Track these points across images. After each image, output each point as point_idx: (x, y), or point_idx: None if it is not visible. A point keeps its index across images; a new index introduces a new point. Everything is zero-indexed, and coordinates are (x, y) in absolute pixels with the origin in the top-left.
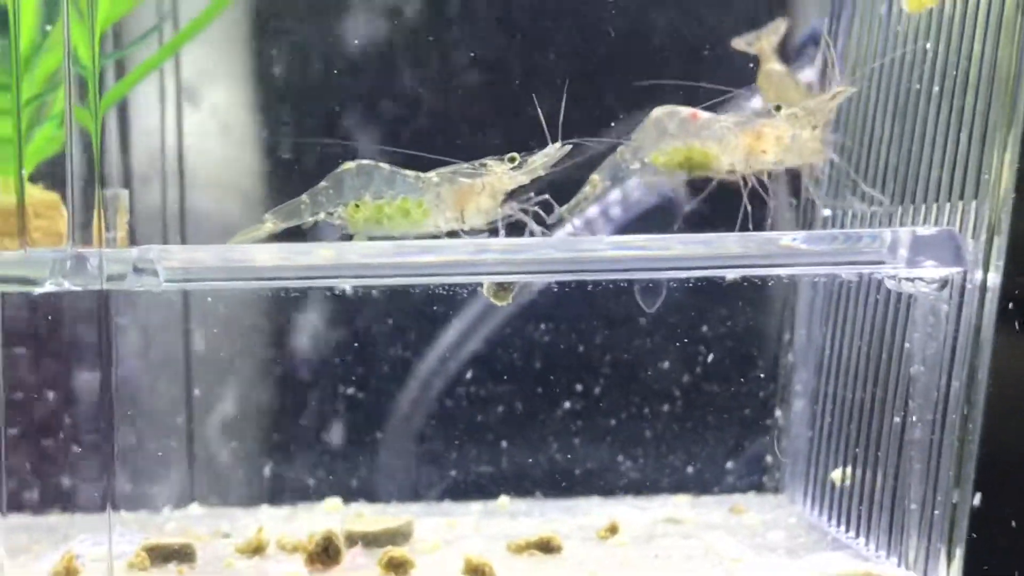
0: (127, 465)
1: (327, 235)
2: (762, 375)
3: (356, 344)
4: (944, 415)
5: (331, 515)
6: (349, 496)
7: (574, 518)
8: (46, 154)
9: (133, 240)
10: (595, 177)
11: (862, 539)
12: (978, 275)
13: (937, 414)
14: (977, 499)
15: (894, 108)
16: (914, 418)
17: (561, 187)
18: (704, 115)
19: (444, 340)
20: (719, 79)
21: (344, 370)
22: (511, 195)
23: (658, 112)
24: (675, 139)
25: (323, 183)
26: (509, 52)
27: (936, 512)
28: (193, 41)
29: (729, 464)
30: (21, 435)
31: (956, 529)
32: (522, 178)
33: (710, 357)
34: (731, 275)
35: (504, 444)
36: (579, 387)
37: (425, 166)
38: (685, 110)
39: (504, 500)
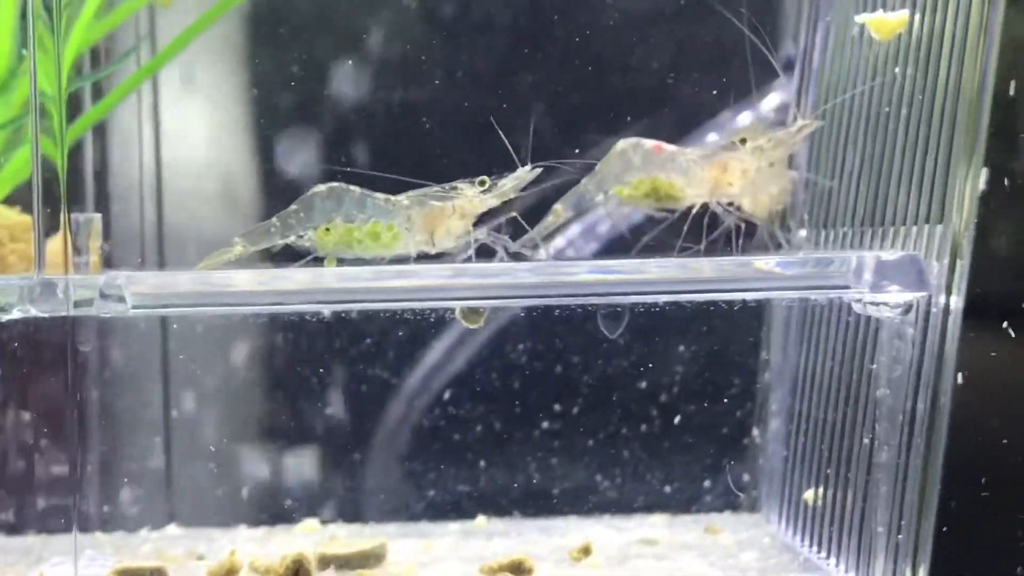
0: (103, 486)
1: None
2: (738, 394)
3: (335, 364)
4: (910, 438)
5: (308, 536)
6: (326, 517)
7: (550, 538)
8: (22, 177)
9: (108, 264)
10: (558, 207)
11: (832, 560)
12: (942, 299)
13: (903, 437)
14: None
15: (863, 131)
16: (880, 441)
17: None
18: (668, 147)
19: (422, 360)
20: (691, 105)
21: (323, 390)
22: (481, 218)
23: (622, 144)
24: (640, 171)
25: (293, 206)
26: (483, 73)
27: (901, 536)
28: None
29: (706, 483)
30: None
31: (920, 552)
32: (492, 201)
33: (687, 376)
34: (704, 298)
35: (482, 464)
36: (557, 407)
37: (394, 188)
38: (649, 142)
39: (481, 520)
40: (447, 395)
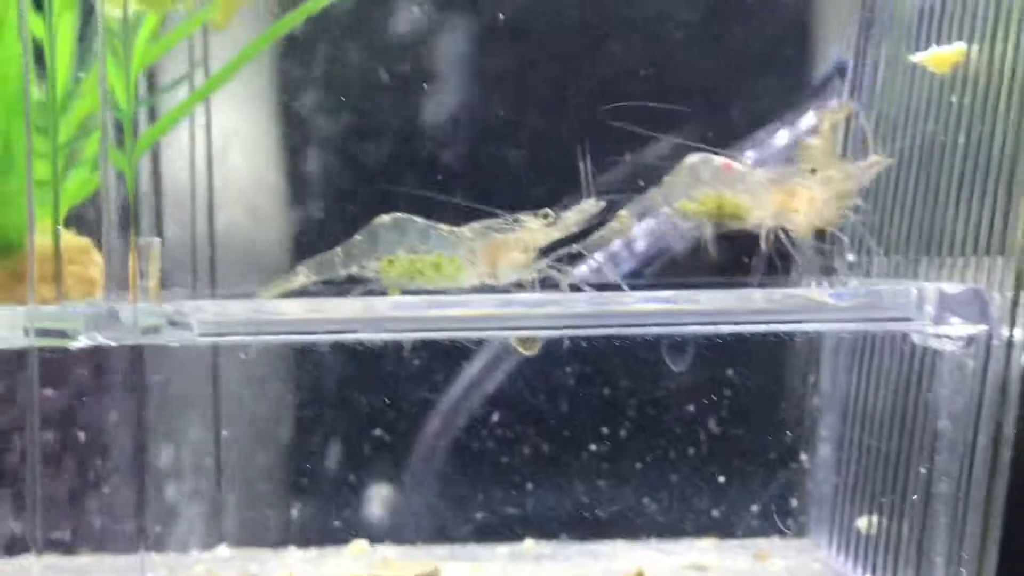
0: (154, 507)
1: None
2: (788, 419)
3: (382, 386)
4: (971, 470)
5: (358, 558)
6: (375, 538)
7: (598, 562)
8: (78, 199)
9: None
10: (623, 214)
11: None
12: (1004, 331)
13: (964, 469)
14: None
15: (919, 160)
16: (940, 471)
17: None
18: (738, 167)
19: (470, 382)
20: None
21: (371, 412)
22: (545, 251)
23: (693, 159)
24: (708, 187)
25: (357, 236)
26: (544, 105)
27: (962, 569)
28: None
29: (754, 507)
30: (54, 478)
31: None
32: (555, 233)
33: (736, 400)
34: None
35: (530, 486)
36: (605, 430)
37: (456, 217)
38: (719, 159)
39: (530, 543)
40: (495, 417)
